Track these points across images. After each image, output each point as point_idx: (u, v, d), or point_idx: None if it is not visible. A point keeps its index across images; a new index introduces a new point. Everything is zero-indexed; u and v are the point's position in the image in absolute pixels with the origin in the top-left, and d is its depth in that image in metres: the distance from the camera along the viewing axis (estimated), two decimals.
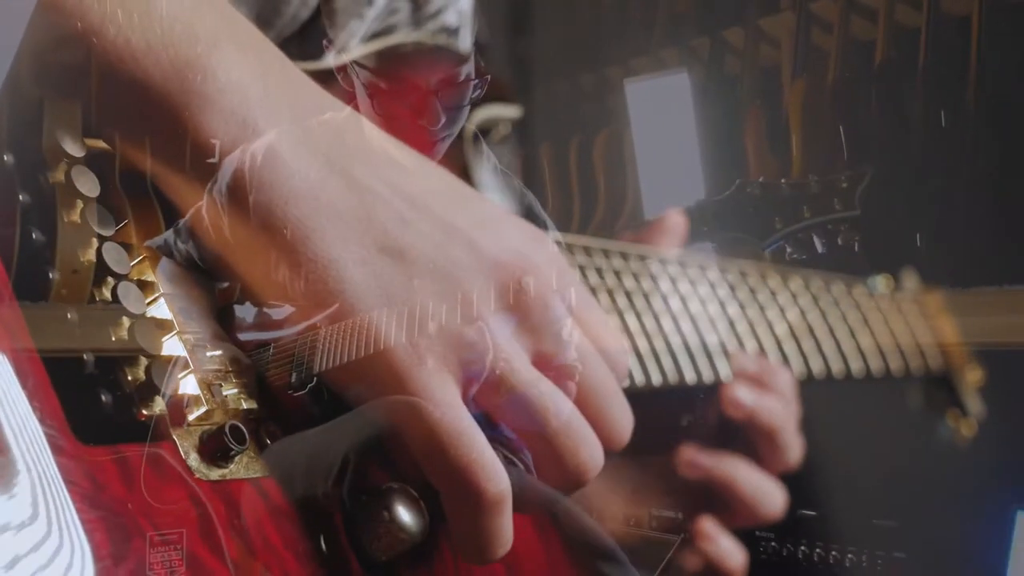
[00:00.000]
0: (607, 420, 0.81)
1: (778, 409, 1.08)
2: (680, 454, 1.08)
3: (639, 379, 1.03)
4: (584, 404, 0.80)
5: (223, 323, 0.79)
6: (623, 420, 0.82)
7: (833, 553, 1.20)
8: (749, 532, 1.10)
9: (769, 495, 1.07)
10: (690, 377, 1.09)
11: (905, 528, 1.20)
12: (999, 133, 1.42)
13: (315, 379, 0.76)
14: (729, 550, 1.07)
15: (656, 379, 1.06)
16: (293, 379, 0.77)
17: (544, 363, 0.79)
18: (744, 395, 1.07)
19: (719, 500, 1.08)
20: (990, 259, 1.40)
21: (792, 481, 1.10)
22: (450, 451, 0.74)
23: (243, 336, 0.76)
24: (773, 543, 1.29)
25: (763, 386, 1.09)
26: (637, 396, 0.83)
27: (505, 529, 0.77)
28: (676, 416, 1.12)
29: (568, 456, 0.79)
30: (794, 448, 1.08)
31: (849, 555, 1.20)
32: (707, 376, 1.11)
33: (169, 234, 0.78)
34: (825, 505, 1.28)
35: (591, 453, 0.80)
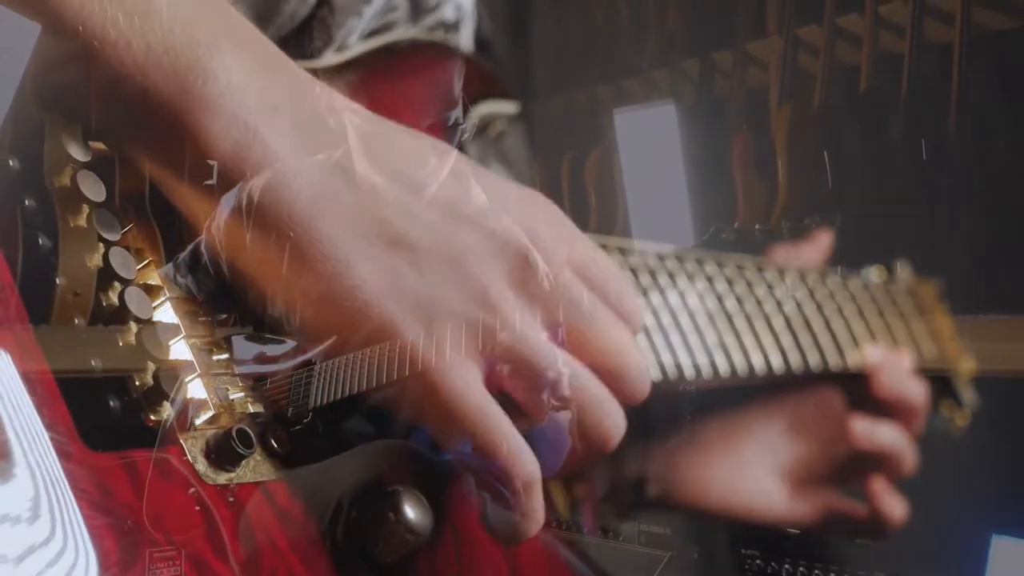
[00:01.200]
0: (626, 381, 0.81)
1: (917, 387, 1.23)
2: (852, 426, 1.20)
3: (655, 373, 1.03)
4: (603, 370, 0.80)
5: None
6: (642, 379, 0.82)
7: (816, 572, 1.23)
8: (735, 550, 1.16)
9: (913, 456, 1.21)
10: (689, 373, 1.09)
11: (886, 548, 1.23)
12: (980, 159, 1.44)
13: (310, 414, 0.77)
14: (897, 504, 1.21)
15: (655, 374, 1.06)
16: (290, 413, 0.77)
17: (561, 335, 0.79)
18: (893, 379, 1.21)
19: (876, 462, 1.20)
20: (972, 286, 1.42)
21: None
22: (475, 438, 0.74)
23: (240, 370, 0.76)
24: (759, 561, 1.31)
25: (902, 370, 1.23)
26: None
27: (538, 508, 0.77)
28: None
29: (592, 427, 0.79)
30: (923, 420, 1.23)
31: (831, 574, 1.24)
32: (705, 371, 1.11)
33: (168, 268, 0.77)
34: None
35: (614, 421, 0.80)
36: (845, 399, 1.23)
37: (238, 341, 0.76)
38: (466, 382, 0.74)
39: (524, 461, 0.75)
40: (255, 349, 0.76)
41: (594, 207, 1.99)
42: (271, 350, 0.76)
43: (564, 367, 0.78)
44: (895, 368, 1.23)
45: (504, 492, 0.76)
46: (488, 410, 0.75)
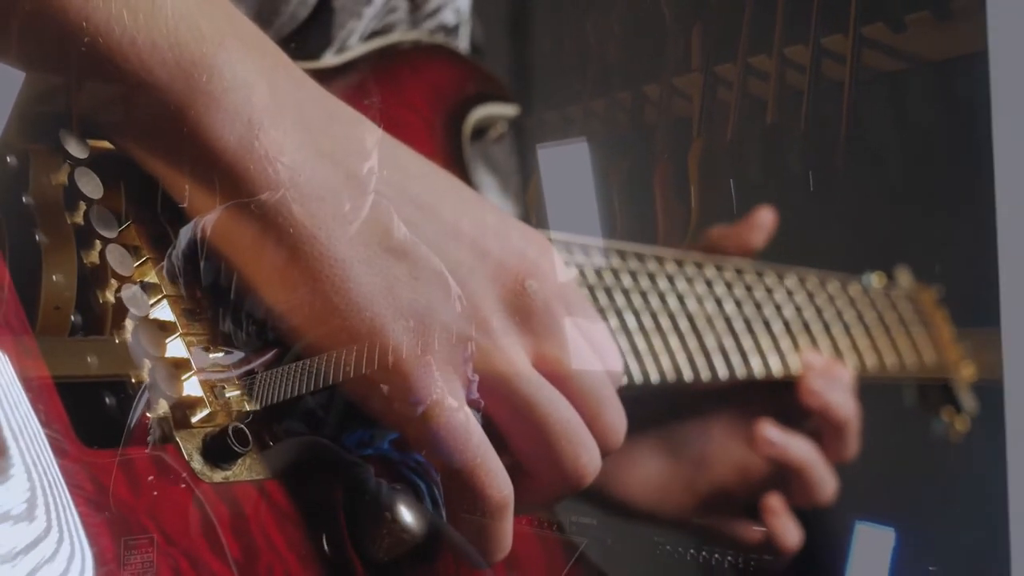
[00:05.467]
0: (603, 424, 0.82)
1: (850, 403, 1.17)
2: (758, 430, 1.15)
3: (637, 378, 1.04)
4: (582, 409, 0.81)
5: None
6: (617, 425, 0.83)
7: (716, 556, 1.22)
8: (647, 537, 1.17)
9: (829, 482, 1.16)
10: (688, 375, 1.10)
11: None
12: (863, 195, 1.49)
13: (250, 416, 0.77)
14: (790, 527, 1.16)
15: (654, 377, 1.06)
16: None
17: (544, 364, 0.80)
18: (823, 386, 1.15)
19: (782, 479, 1.16)
20: None
21: None
22: (453, 455, 0.74)
23: (201, 378, 0.76)
24: (667, 547, 1.31)
25: (837, 380, 1.17)
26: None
27: (506, 534, 0.77)
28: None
29: (568, 459, 0.79)
30: (855, 442, 1.17)
31: (728, 558, 1.22)
32: (704, 375, 1.11)
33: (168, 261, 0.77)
34: None
35: (591, 457, 0.80)
36: (770, 408, 1.18)
37: (195, 351, 0.76)
38: (448, 397, 0.74)
39: (500, 483, 0.76)
40: (208, 358, 0.76)
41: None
42: (224, 359, 0.76)
43: (546, 395, 0.79)
44: (827, 376, 1.17)
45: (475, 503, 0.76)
46: (469, 428, 0.75)
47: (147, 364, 0.72)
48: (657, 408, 1.23)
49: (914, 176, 1.47)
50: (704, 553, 1.19)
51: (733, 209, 1.46)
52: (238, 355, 0.76)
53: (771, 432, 1.16)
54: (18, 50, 0.68)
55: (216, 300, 0.76)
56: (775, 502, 1.17)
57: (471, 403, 0.76)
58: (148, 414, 0.71)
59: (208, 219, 0.72)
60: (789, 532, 1.17)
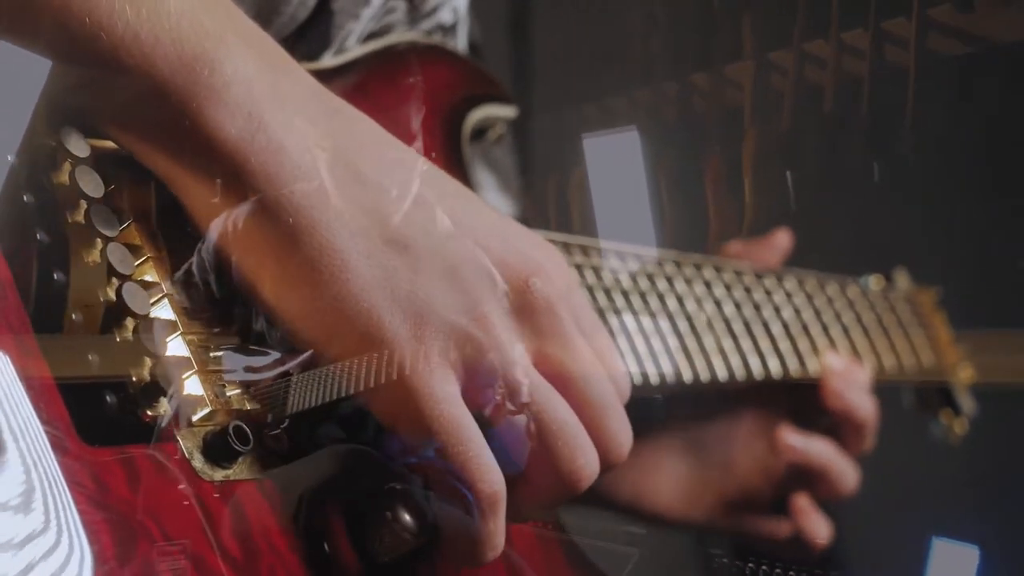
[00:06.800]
0: (606, 432, 0.81)
1: (870, 403, 1.21)
2: (779, 437, 1.19)
3: (636, 379, 1.03)
4: (584, 415, 0.80)
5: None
6: (622, 434, 0.82)
7: (776, 571, 1.23)
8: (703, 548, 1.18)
9: (851, 475, 1.21)
10: (687, 377, 1.10)
11: (838, 547, 1.24)
12: (930, 185, 1.47)
13: (287, 420, 0.77)
14: (820, 523, 1.21)
15: (653, 378, 1.06)
16: (269, 419, 0.77)
17: (545, 365, 0.79)
18: (845, 389, 1.19)
19: (806, 477, 1.20)
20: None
21: None
22: (447, 448, 0.74)
23: (229, 378, 0.76)
24: (724, 559, 1.32)
25: (857, 382, 1.21)
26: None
27: (497, 532, 0.77)
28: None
29: (564, 461, 0.78)
30: (873, 438, 1.22)
31: (791, 572, 1.24)
32: (704, 376, 1.11)
33: (181, 275, 0.77)
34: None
35: (587, 460, 0.79)
36: (788, 409, 1.22)
37: (227, 354, 0.76)
38: (444, 391, 0.74)
39: (492, 477, 0.75)
40: (242, 360, 0.76)
41: (577, 230, 2.00)
42: (256, 361, 0.76)
43: (544, 394, 0.78)
44: (849, 378, 1.21)
45: (467, 502, 0.75)
46: (462, 421, 0.75)
47: (148, 362, 0.72)
48: (678, 413, 1.24)
49: (984, 166, 1.45)
50: (750, 564, 1.21)
51: (791, 203, 1.45)
52: (273, 355, 0.76)
53: (792, 438, 1.19)
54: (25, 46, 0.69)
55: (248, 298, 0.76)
56: (803, 502, 1.21)
57: (469, 399, 0.76)
58: (150, 412, 0.71)
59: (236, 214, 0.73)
60: (820, 528, 1.21)
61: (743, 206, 1.49)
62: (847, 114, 1.46)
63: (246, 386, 0.77)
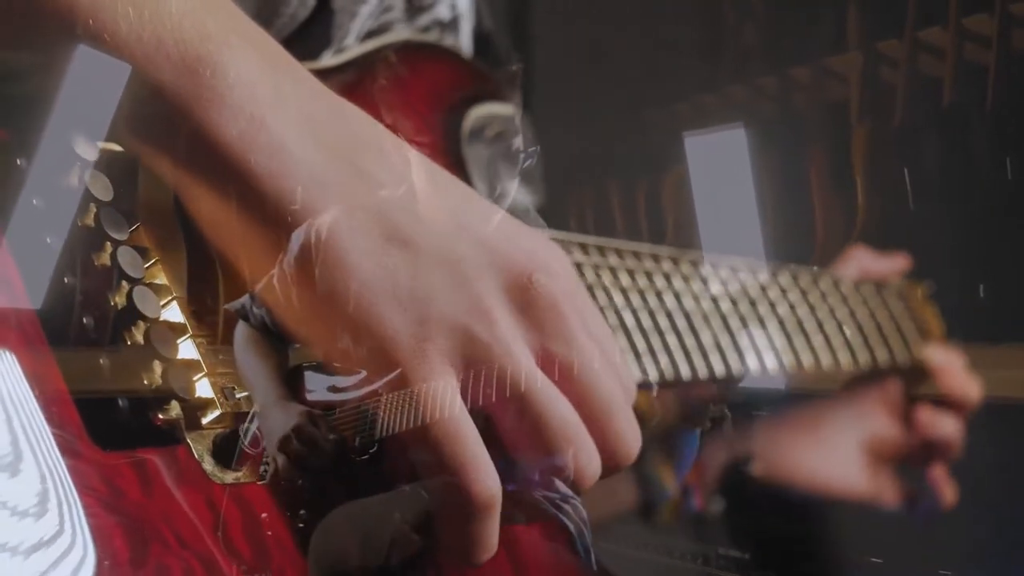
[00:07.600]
0: (611, 433, 0.80)
1: (976, 387, 1.30)
2: (920, 414, 1.28)
3: (637, 377, 1.04)
4: (588, 415, 0.79)
5: (291, 385, 0.79)
6: (629, 434, 0.80)
7: None
8: None
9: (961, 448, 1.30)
10: (686, 374, 1.10)
11: (888, 568, 1.24)
12: None
13: (376, 444, 0.76)
14: (951, 490, 1.29)
15: (653, 377, 1.06)
16: (357, 443, 0.76)
17: (548, 363, 0.79)
18: (960, 383, 1.28)
19: (937, 451, 1.28)
20: None
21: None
22: (443, 448, 0.74)
23: (311, 398, 0.75)
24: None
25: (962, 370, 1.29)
26: None
27: (490, 534, 0.76)
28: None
29: (564, 460, 0.78)
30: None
31: None
32: (702, 373, 1.11)
33: (246, 298, 0.77)
34: (818, 536, 1.35)
35: (588, 460, 0.78)
36: (906, 392, 1.31)
37: (308, 373, 0.75)
38: (443, 390, 0.74)
39: (488, 479, 0.74)
40: (326, 380, 0.75)
41: (671, 233, 1.89)
42: (340, 381, 0.75)
43: (546, 392, 0.78)
44: (958, 366, 1.30)
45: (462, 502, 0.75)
46: (460, 422, 0.75)
47: (159, 365, 0.72)
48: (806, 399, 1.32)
49: None
50: None
51: (909, 202, 1.40)
52: (356, 376, 0.74)
53: (929, 416, 1.27)
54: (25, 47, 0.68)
55: None
56: (939, 470, 1.28)
57: (467, 396, 0.76)
58: (161, 415, 0.72)
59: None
60: (951, 493, 1.28)
61: (855, 206, 1.45)
62: (971, 106, 1.40)
63: (328, 410, 0.76)
